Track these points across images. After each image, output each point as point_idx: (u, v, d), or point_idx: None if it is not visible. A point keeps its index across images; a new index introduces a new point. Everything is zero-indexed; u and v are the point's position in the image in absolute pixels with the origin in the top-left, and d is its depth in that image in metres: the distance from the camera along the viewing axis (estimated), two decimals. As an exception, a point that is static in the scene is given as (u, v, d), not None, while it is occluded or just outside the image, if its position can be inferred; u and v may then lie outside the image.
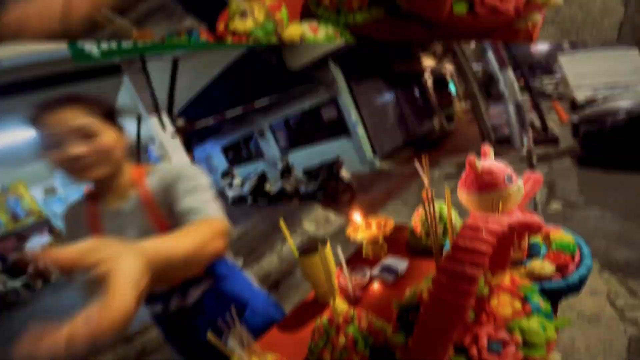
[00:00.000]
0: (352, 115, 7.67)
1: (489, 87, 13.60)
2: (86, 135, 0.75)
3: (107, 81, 3.95)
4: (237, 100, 5.53)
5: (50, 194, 8.53)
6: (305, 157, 8.56)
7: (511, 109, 5.57)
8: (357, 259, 1.15)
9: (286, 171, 6.43)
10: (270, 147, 10.09)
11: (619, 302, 2.05)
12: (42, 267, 6.98)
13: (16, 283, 6.26)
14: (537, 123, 5.70)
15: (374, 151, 7.97)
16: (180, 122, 4.49)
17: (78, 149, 0.74)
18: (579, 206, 3.39)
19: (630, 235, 2.63)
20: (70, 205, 0.94)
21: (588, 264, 0.68)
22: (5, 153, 5.88)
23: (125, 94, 4.80)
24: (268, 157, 10.16)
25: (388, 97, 9.55)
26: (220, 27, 0.67)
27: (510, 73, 5.64)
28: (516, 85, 5.69)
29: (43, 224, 8.16)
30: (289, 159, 6.70)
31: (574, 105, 8.37)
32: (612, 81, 7.92)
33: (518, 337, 0.49)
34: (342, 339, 0.62)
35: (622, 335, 1.82)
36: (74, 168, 0.76)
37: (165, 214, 0.83)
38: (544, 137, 5.39)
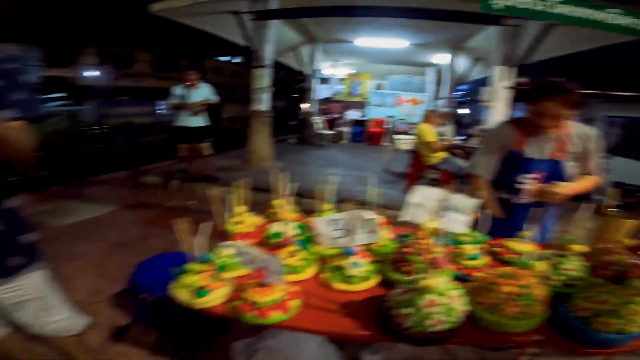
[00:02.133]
0: None
1: None
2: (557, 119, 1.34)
3: (476, 26, 4.49)
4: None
5: (377, 89, 11.09)
6: (628, 169, 6.58)
7: None
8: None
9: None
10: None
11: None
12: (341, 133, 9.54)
13: (328, 132, 8.76)
14: None
15: None
16: (522, 79, 4.55)
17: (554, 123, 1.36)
18: None
19: None
20: (501, 122, 1.61)
21: None
22: (377, 51, 8.05)
23: (483, 40, 5.25)
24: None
25: None
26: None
27: None
28: None
29: (361, 105, 10.93)
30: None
31: None
32: None
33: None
34: None
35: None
36: (545, 127, 1.38)
37: (571, 150, 1.43)
38: None
